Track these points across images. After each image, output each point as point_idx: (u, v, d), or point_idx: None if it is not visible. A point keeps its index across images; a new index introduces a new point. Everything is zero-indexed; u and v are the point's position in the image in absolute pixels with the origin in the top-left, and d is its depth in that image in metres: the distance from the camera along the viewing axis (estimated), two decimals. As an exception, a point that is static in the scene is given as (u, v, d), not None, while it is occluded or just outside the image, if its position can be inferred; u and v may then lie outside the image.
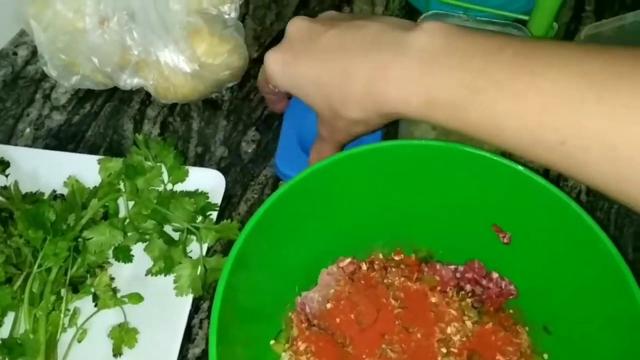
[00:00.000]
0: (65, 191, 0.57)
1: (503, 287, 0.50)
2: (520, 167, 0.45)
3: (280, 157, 0.59)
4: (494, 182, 0.46)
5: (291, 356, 0.47)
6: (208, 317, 0.54)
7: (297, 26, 0.46)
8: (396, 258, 0.52)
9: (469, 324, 0.47)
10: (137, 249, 0.54)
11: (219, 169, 0.60)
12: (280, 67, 0.46)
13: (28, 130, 0.65)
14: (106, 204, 0.54)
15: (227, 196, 0.59)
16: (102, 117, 0.66)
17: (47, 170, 0.58)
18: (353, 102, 0.42)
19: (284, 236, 0.46)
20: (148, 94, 0.66)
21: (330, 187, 0.47)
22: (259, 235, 0.43)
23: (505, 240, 0.49)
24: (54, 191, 0.57)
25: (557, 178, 0.60)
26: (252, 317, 0.46)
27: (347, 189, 0.48)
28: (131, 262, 0.54)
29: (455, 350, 0.46)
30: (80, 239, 0.53)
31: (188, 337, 0.53)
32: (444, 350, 0.46)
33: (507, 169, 0.45)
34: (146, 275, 0.53)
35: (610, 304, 0.43)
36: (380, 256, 0.52)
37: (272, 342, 0.47)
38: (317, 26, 0.45)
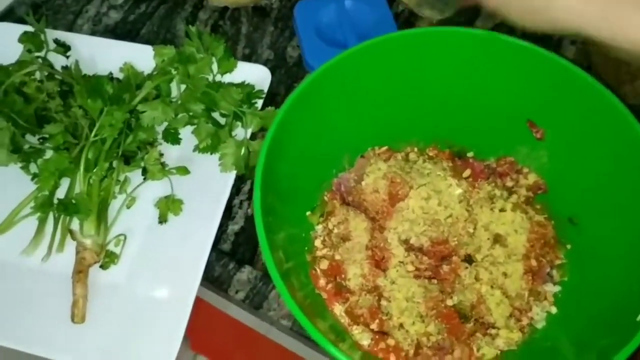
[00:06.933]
0: (120, 76, 0.60)
1: (533, 182, 0.51)
2: (562, 60, 0.46)
3: (307, 52, 0.62)
4: (533, 74, 0.48)
5: (325, 227, 0.50)
6: (248, 198, 0.57)
7: None
8: (430, 153, 0.55)
9: (495, 210, 0.49)
10: (185, 133, 0.58)
11: (264, 69, 0.62)
12: None
13: (86, 26, 0.69)
14: (159, 86, 0.58)
15: (272, 95, 0.62)
16: (156, 17, 0.69)
17: (104, 57, 0.62)
18: None
19: (319, 120, 0.49)
20: (201, -1, 0.69)
21: (361, 75, 0.49)
22: (295, 117, 0.46)
23: (539, 136, 0.50)
24: (111, 73, 0.60)
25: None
26: (291, 194, 0.49)
27: (381, 77, 0.50)
28: (179, 144, 0.57)
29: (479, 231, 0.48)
30: (133, 117, 0.56)
31: (229, 215, 0.56)
32: (470, 230, 0.48)
33: (548, 61, 0.47)
34: (194, 151, 0.56)
35: (636, 197, 0.44)
36: (416, 149, 0.55)
37: (308, 213, 0.50)
38: None
